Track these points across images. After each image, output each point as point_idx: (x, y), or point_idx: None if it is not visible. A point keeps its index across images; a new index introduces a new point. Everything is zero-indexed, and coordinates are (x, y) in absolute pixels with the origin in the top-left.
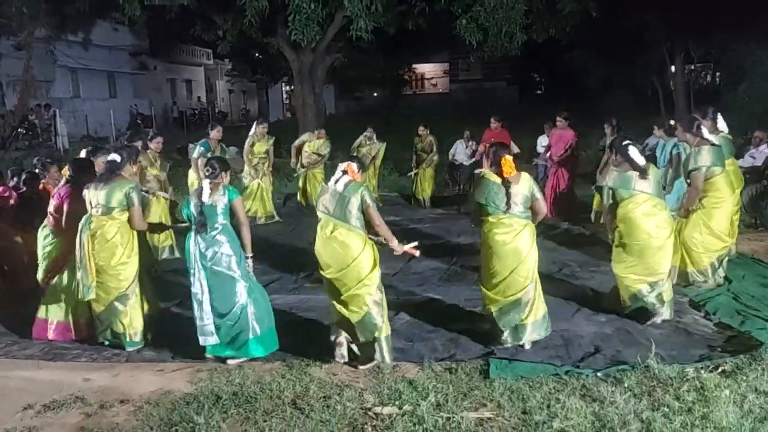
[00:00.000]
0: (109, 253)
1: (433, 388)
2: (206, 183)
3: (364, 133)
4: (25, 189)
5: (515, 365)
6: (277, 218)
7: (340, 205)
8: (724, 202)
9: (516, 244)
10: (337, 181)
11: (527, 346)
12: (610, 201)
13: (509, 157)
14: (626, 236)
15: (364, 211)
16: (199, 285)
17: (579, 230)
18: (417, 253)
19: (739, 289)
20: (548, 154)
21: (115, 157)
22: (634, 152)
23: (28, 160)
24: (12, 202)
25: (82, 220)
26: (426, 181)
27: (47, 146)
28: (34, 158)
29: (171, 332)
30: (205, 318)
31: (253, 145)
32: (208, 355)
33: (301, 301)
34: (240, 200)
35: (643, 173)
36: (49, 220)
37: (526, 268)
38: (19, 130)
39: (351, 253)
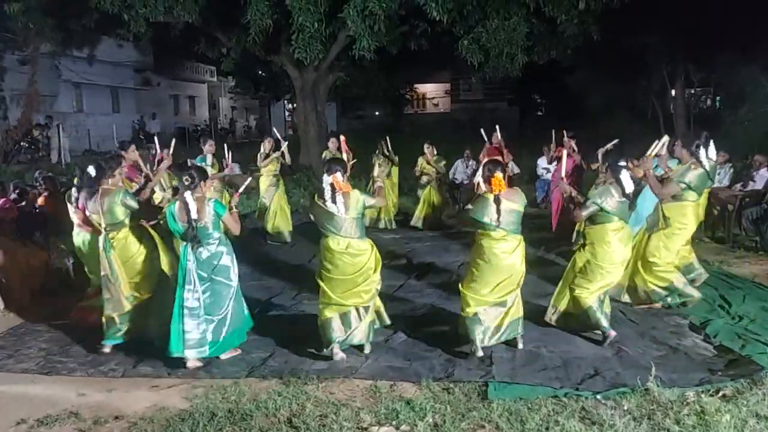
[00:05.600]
0: (139, 256)
1: (431, 408)
2: (189, 197)
3: (378, 149)
4: (24, 203)
5: (514, 387)
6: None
7: (347, 224)
8: (686, 231)
9: (513, 258)
10: (334, 201)
11: (520, 345)
12: (587, 214)
13: (499, 175)
14: (599, 259)
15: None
16: (195, 298)
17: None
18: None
19: (739, 312)
20: (553, 169)
21: (90, 170)
22: (625, 177)
23: (30, 174)
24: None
25: (101, 241)
26: (436, 199)
27: (48, 161)
28: (35, 172)
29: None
30: (199, 329)
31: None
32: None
33: (299, 318)
34: (228, 216)
35: (626, 198)
36: (82, 227)
37: (518, 278)
38: (21, 144)
39: (362, 260)
